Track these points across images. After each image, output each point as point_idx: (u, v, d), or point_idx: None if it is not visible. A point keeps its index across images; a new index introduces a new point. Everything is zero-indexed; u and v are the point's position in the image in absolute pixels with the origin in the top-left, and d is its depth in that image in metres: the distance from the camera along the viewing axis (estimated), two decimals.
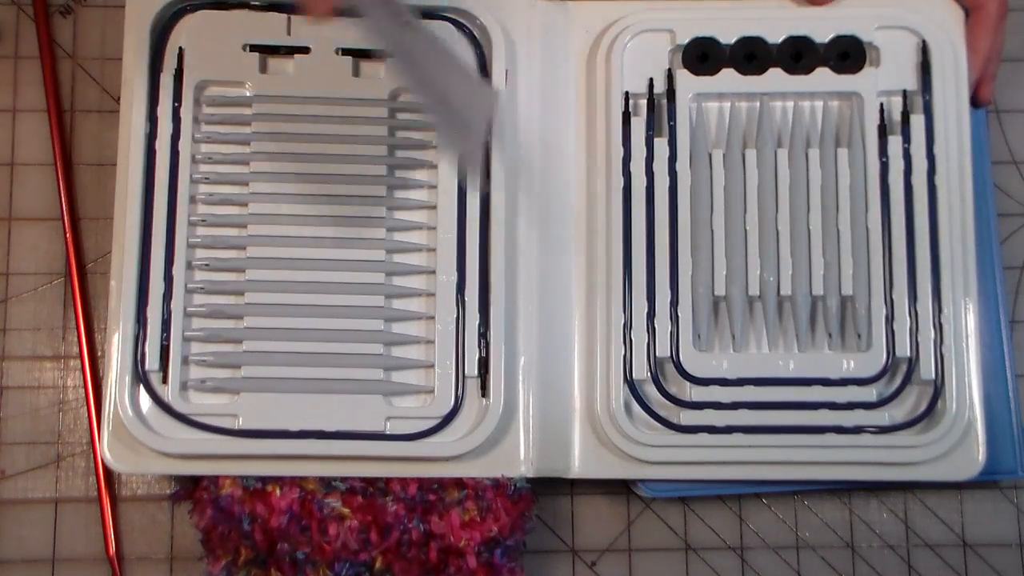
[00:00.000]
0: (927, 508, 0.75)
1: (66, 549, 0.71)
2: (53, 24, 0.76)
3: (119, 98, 0.73)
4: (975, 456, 0.70)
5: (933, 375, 0.70)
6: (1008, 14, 0.73)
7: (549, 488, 0.72)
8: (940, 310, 0.71)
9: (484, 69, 0.72)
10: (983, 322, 0.73)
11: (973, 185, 0.72)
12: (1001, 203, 0.77)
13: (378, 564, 0.67)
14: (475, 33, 0.73)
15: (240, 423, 0.68)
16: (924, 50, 0.73)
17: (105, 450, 0.67)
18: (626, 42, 0.73)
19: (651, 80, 0.73)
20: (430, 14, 0.72)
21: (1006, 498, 0.75)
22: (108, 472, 0.72)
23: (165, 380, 0.68)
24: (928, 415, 0.70)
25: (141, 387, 0.68)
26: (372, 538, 0.67)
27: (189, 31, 0.71)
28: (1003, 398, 0.73)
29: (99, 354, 0.73)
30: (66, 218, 0.74)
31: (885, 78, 0.73)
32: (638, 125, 0.72)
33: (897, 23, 0.73)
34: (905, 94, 0.73)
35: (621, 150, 0.72)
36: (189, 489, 0.69)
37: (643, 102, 0.73)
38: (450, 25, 0.72)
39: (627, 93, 0.73)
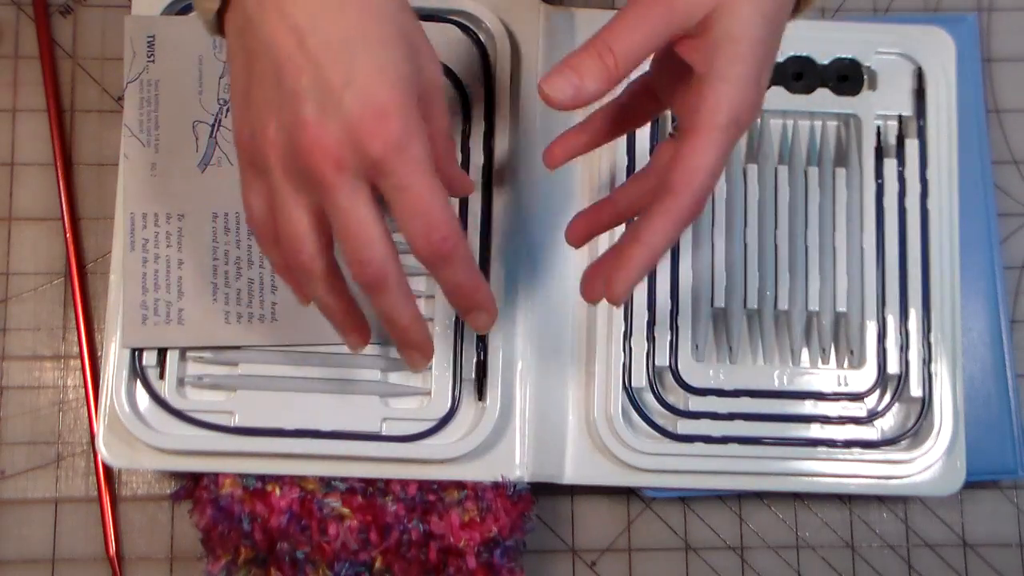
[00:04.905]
0: (927, 508, 0.75)
1: (66, 549, 0.71)
2: (53, 24, 0.76)
3: (119, 98, 0.73)
4: (959, 471, 0.71)
5: (921, 393, 0.71)
6: (1005, 14, 0.73)
7: (549, 488, 0.72)
8: (929, 329, 0.71)
9: (488, 73, 0.72)
10: (983, 322, 0.73)
11: (973, 187, 0.72)
12: (1001, 203, 0.77)
13: (378, 564, 0.67)
14: (480, 37, 0.72)
15: (236, 420, 0.68)
16: (919, 77, 0.74)
17: (100, 444, 0.67)
18: None
19: None
20: (436, 17, 0.72)
21: (1006, 498, 0.75)
22: (108, 472, 0.72)
23: (162, 375, 0.68)
24: (915, 432, 0.71)
25: (138, 382, 0.68)
26: (372, 538, 0.67)
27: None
28: (1003, 398, 0.73)
29: (99, 354, 0.73)
30: (66, 218, 0.73)
31: (882, 102, 0.74)
32: (642, 136, 0.72)
33: (895, 50, 0.74)
34: (900, 119, 0.74)
35: (625, 159, 0.72)
36: (189, 488, 0.69)
37: None
38: (456, 28, 0.72)
39: None
